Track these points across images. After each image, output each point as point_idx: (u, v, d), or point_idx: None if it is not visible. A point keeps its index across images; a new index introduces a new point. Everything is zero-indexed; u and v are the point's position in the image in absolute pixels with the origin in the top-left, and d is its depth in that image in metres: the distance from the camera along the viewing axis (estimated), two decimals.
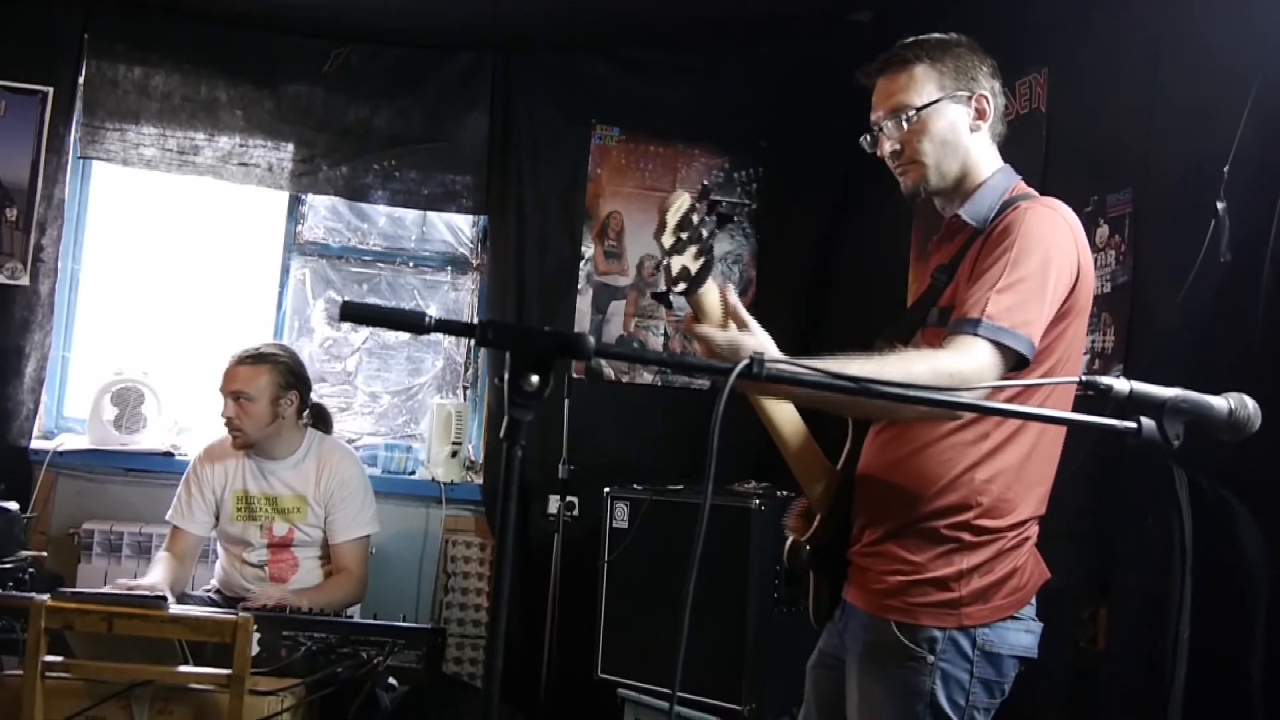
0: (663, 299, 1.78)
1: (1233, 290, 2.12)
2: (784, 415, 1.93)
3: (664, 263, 1.72)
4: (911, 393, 1.40)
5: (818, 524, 1.98)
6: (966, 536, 1.79)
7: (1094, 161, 2.66)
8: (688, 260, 1.72)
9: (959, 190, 1.92)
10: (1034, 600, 1.87)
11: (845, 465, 1.97)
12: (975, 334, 1.67)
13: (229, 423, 3.24)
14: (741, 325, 1.72)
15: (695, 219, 1.71)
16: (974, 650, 1.78)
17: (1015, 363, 1.69)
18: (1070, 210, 1.84)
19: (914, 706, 1.77)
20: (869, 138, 1.96)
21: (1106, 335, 2.53)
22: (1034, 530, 1.87)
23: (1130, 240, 2.50)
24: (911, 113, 1.88)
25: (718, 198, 1.74)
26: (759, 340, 1.70)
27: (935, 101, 1.88)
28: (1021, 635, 1.84)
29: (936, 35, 1.94)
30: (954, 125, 1.90)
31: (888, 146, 1.92)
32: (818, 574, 2.00)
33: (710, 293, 1.77)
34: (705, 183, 1.79)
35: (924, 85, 1.89)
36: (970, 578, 1.79)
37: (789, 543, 2.02)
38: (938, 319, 1.86)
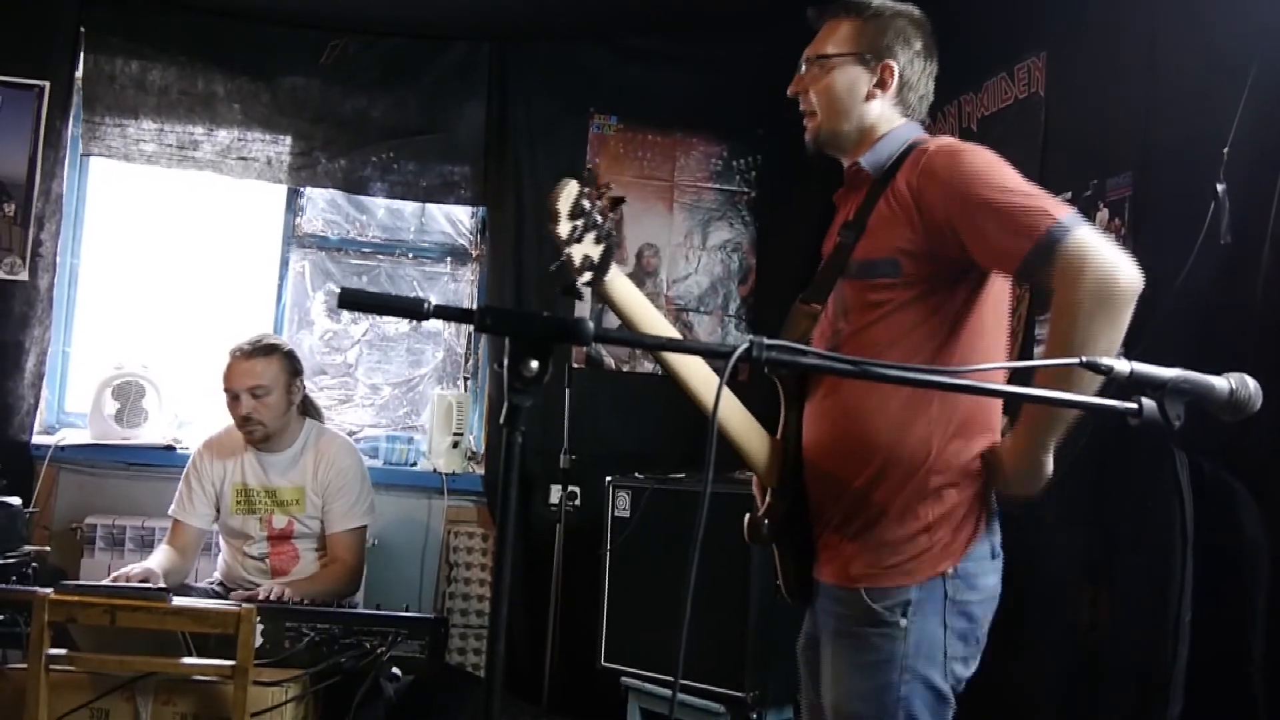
0: (571, 291, 1.76)
1: (1233, 272, 2.12)
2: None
3: (565, 254, 1.71)
4: (910, 375, 1.40)
5: (770, 498, 1.94)
6: (925, 492, 1.78)
7: (1093, 145, 2.66)
8: (588, 248, 1.73)
9: (858, 150, 1.91)
10: (998, 530, 1.85)
11: (785, 434, 1.93)
12: (1061, 241, 1.60)
13: (247, 420, 3.21)
14: None
15: (587, 204, 1.69)
16: (945, 603, 1.77)
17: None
18: None
19: (890, 673, 1.76)
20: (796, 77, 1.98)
21: None
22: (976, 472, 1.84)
23: (1130, 224, 2.50)
24: (820, 61, 1.91)
25: (606, 182, 1.74)
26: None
27: (841, 56, 1.90)
28: (989, 577, 1.83)
29: (888, 2, 1.94)
30: (852, 86, 1.90)
31: (795, 85, 1.95)
32: (780, 549, 1.96)
33: (617, 279, 1.78)
34: (589, 167, 1.79)
35: (841, 39, 1.91)
36: (936, 530, 1.78)
37: (747, 519, 1.97)
38: (857, 271, 1.84)
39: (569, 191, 1.70)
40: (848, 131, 1.92)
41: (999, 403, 1.86)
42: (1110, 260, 1.58)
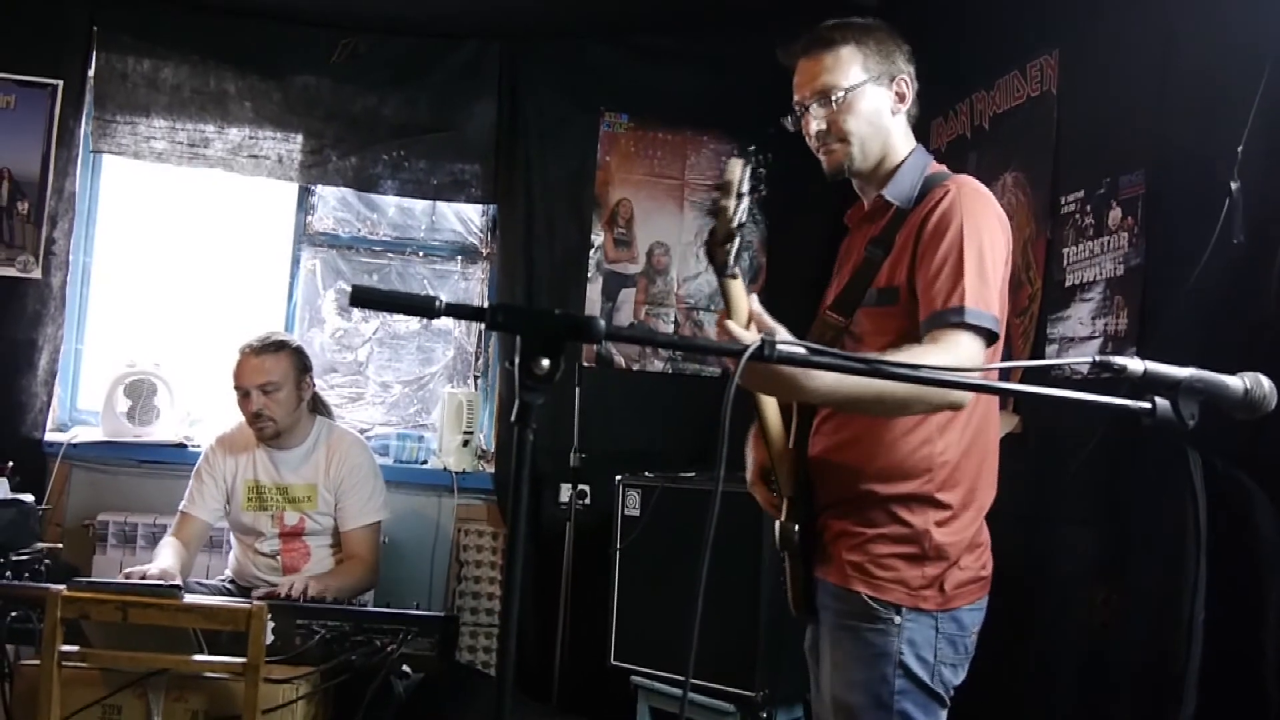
0: (724, 270, 1.75)
1: (1246, 270, 2.11)
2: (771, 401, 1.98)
3: (731, 231, 1.70)
4: (923, 374, 1.40)
5: (788, 506, 2.01)
6: (927, 507, 1.88)
7: (1106, 143, 2.65)
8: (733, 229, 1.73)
9: (877, 171, 2.00)
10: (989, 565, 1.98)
11: (796, 441, 2.01)
12: (962, 323, 1.76)
13: (258, 416, 3.22)
14: (767, 329, 1.74)
15: (749, 187, 1.70)
16: (938, 609, 1.88)
17: (989, 340, 1.79)
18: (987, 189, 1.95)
19: (884, 667, 1.85)
20: (791, 118, 2.03)
21: (1119, 317, 2.52)
22: (988, 500, 1.96)
23: (1143, 222, 2.49)
24: (840, 93, 1.95)
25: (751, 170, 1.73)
26: (785, 338, 1.71)
27: (862, 84, 1.96)
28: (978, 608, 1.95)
29: (857, 19, 2.02)
30: (877, 108, 1.98)
31: (814, 126, 1.98)
32: (793, 557, 2.03)
33: (738, 284, 1.78)
34: (750, 149, 1.76)
35: (850, 67, 1.97)
36: (930, 563, 1.88)
37: (778, 528, 2.03)
38: (876, 299, 1.93)
39: (743, 170, 1.70)
40: (877, 152, 1.99)
41: (996, 432, 1.99)
42: (962, 364, 1.71)
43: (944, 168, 2.02)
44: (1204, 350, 2.09)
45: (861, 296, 1.94)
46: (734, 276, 1.75)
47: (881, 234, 1.96)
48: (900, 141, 2.01)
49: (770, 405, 1.97)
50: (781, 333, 1.71)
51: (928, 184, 1.95)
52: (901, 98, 2.00)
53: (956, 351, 1.74)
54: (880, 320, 1.91)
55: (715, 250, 1.72)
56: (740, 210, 1.68)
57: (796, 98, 2.01)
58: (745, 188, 1.69)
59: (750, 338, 1.69)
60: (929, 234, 1.85)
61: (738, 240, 1.71)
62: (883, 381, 1.63)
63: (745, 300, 1.77)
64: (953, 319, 1.76)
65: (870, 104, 1.96)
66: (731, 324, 1.72)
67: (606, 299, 4.22)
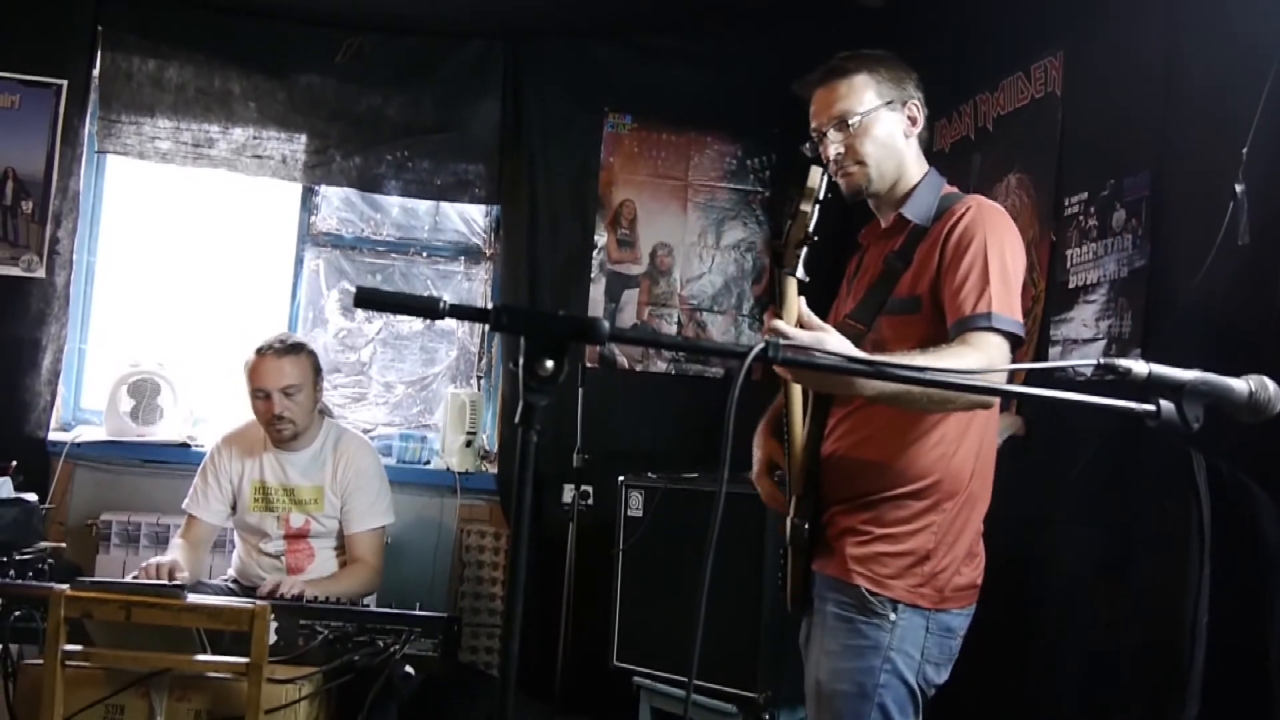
0: (793, 273, 1.86)
1: (1252, 273, 2.10)
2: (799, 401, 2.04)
3: (807, 236, 1.82)
4: (926, 376, 1.40)
5: (795, 504, 2.07)
6: (934, 510, 1.95)
7: (1110, 145, 2.64)
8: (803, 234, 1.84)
9: (893, 193, 2.09)
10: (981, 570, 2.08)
11: (807, 446, 2.06)
12: (990, 327, 1.84)
13: (278, 419, 3.21)
14: (816, 328, 1.79)
15: (823, 195, 1.82)
16: (932, 608, 1.96)
17: (1014, 344, 1.88)
18: None
19: (872, 660, 1.93)
20: (810, 145, 2.10)
21: (1124, 319, 2.51)
22: (986, 506, 2.04)
23: (1147, 224, 2.48)
24: (856, 118, 2.04)
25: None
26: (839, 339, 1.75)
27: (876, 108, 2.05)
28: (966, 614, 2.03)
29: (867, 50, 2.11)
30: (891, 131, 2.07)
31: (833, 150, 2.06)
32: (796, 553, 2.08)
33: (794, 285, 1.86)
34: (811, 141, 1.92)
35: (864, 93, 2.05)
36: (937, 557, 1.96)
37: (789, 526, 2.08)
38: (899, 307, 2.00)
39: (822, 177, 1.83)
40: (893, 174, 2.08)
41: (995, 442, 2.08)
42: (994, 363, 1.81)
43: (957, 189, 2.11)
44: (1209, 353, 2.09)
45: (882, 305, 2.01)
46: (799, 279, 1.84)
47: (901, 248, 2.03)
48: (914, 164, 2.10)
49: (798, 404, 2.02)
50: (832, 334, 1.76)
51: (944, 203, 2.04)
52: (913, 121, 2.09)
53: (989, 351, 1.82)
54: (902, 328, 1.98)
55: (785, 252, 1.83)
56: (815, 216, 1.80)
57: (814, 125, 2.09)
58: (822, 195, 1.81)
59: (803, 335, 1.75)
60: (953, 246, 1.93)
61: (807, 246, 1.83)
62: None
63: (796, 301, 1.84)
64: (981, 323, 1.85)
65: (884, 128, 2.06)
66: (780, 323, 1.78)
67: (609, 300, 4.22)
